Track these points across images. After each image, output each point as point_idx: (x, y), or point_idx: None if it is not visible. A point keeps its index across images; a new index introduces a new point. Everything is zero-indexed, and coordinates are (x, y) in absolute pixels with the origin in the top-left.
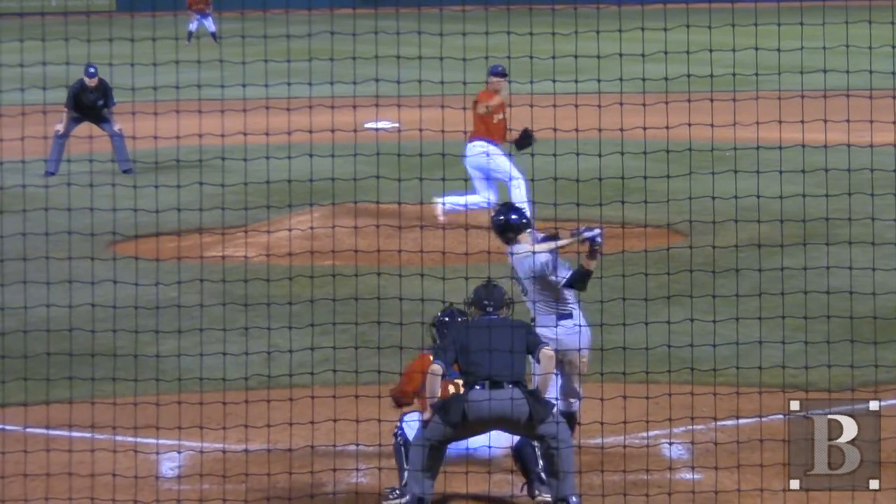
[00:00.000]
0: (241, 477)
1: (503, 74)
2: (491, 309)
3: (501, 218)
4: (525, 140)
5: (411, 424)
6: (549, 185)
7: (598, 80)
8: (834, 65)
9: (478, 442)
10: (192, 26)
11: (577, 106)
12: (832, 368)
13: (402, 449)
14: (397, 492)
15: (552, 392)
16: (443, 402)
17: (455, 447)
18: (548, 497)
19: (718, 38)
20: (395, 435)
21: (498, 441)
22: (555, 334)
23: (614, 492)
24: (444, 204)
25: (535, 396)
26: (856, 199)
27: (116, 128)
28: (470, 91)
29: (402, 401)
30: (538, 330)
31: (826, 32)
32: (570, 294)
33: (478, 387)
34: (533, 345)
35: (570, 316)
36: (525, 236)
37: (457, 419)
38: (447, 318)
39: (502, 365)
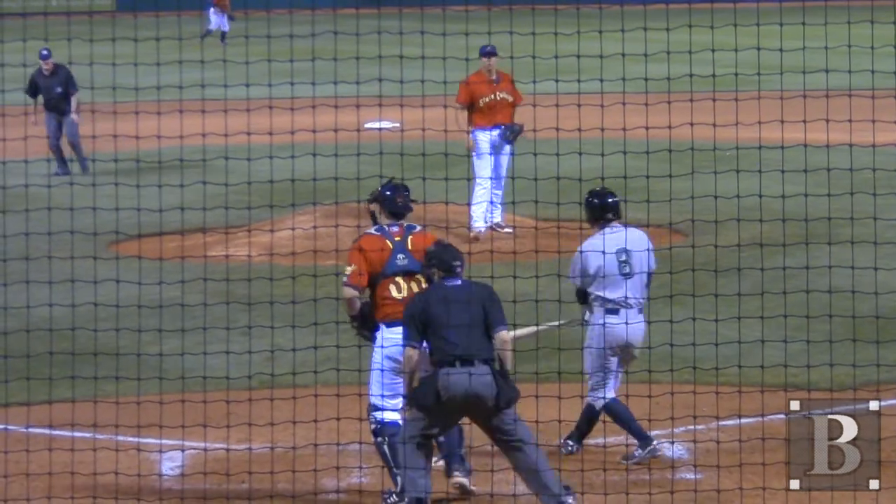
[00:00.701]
0: (243, 476)
1: (488, 54)
2: (459, 269)
3: (596, 201)
4: (512, 132)
5: (379, 401)
6: (552, 184)
7: (601, 80)
8: (836, 65)
9: None
10: (212, 25)
11: (579, 106)
12: (834, 368)
13: (386, 446)
14: (395, 497)
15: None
16: (415, 389)
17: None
18: (464, 479)
19: (720, 38)
20: (374, 433)
21: None
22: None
23: (616, 490)
24: (478, 228)
25: (504, 377)
26: (857, 198)
27: (73, 116)
28: None
29: (358, 285)
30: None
31: (828, 32)
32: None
33: (448, 366)
34: (494, 322)
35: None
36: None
37: (429, 402)
38: (388, 193)
39: (472, 341)
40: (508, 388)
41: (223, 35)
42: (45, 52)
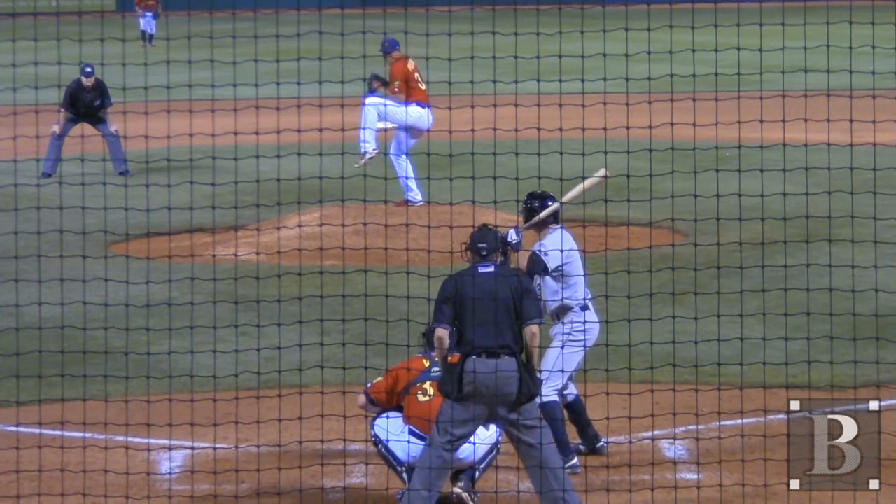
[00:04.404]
0: (243, 476)
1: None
2: (486, 253)
3: None
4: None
5: (382, 426)
6: (555, 184)
7: (604, 80)
8: (837, 65)
9: (463, 451)
10: (143, 24)
11: (584, 106)
12: (834, 367)
13: (386, 450)
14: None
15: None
16: (440, 380)
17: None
18: (464, 494)
19: (722, 39)
20: (376, 444)
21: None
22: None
23: (619, 489)
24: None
25: (529, 371)
26: (857, 198)
27: (112, 129)
28: (476, 91)
29: (374, 398)
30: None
31: (829, 32)
32: None
33: (475, 356)
34: (527, 316)
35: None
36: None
37: (451, 389)
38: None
39: (499, 334)
40: (532, 383)
41: (151, 36)
42: (89, 70)
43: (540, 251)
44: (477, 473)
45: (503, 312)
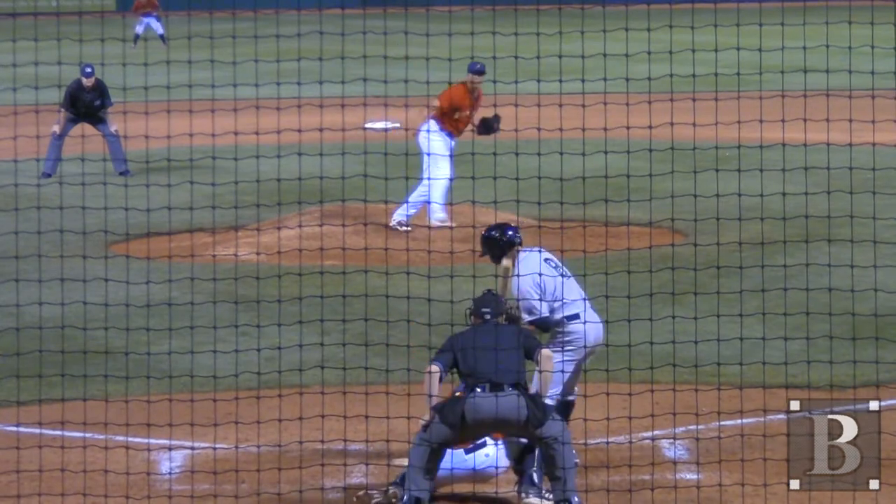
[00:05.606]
0: (241, 475)
1: (482, 72)
2: (489, 317)
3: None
4: (487, 127)
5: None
6: (555, 184)
7: (605, 80)
8: (835, 65)
9: (483, 462)
10: (139, 29)
11: (584, 106)
12: (833, 367)
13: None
14: (390, 489)
15: (556, 388)
16: (442, 404)
17: (462, 465)
18: (535, 499)
19: (723, 39)
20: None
21: (504, 462)
22: None
23: (619, 489)
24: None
25: (534, 400)
26: (857, 198)
27: (113, 129)
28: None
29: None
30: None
31: (829, 32)
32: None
33: (478, 388)
34: (531, 348)
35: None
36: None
37: (454, 420)
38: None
39: (502, 367)
40: (539, 410)
41: (161, 37)
42: (88, 70)
43: (517, 276)
44: (535, 476)
45: (505, 348)
